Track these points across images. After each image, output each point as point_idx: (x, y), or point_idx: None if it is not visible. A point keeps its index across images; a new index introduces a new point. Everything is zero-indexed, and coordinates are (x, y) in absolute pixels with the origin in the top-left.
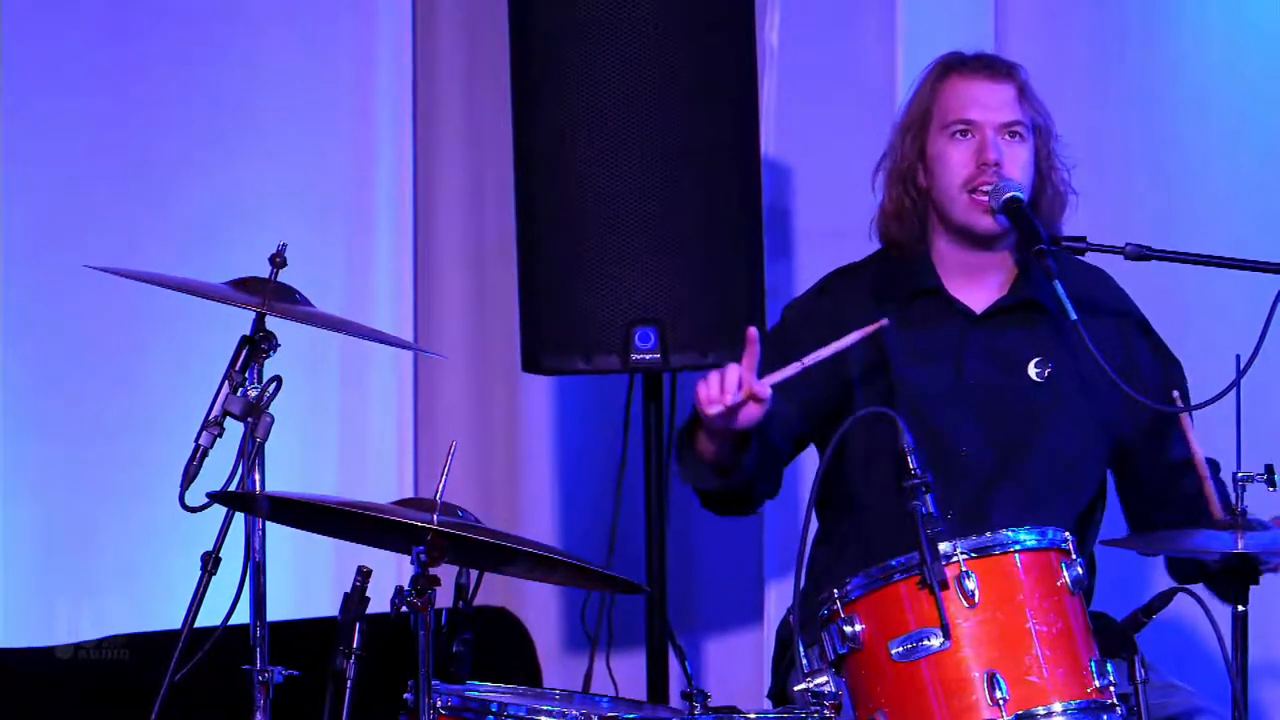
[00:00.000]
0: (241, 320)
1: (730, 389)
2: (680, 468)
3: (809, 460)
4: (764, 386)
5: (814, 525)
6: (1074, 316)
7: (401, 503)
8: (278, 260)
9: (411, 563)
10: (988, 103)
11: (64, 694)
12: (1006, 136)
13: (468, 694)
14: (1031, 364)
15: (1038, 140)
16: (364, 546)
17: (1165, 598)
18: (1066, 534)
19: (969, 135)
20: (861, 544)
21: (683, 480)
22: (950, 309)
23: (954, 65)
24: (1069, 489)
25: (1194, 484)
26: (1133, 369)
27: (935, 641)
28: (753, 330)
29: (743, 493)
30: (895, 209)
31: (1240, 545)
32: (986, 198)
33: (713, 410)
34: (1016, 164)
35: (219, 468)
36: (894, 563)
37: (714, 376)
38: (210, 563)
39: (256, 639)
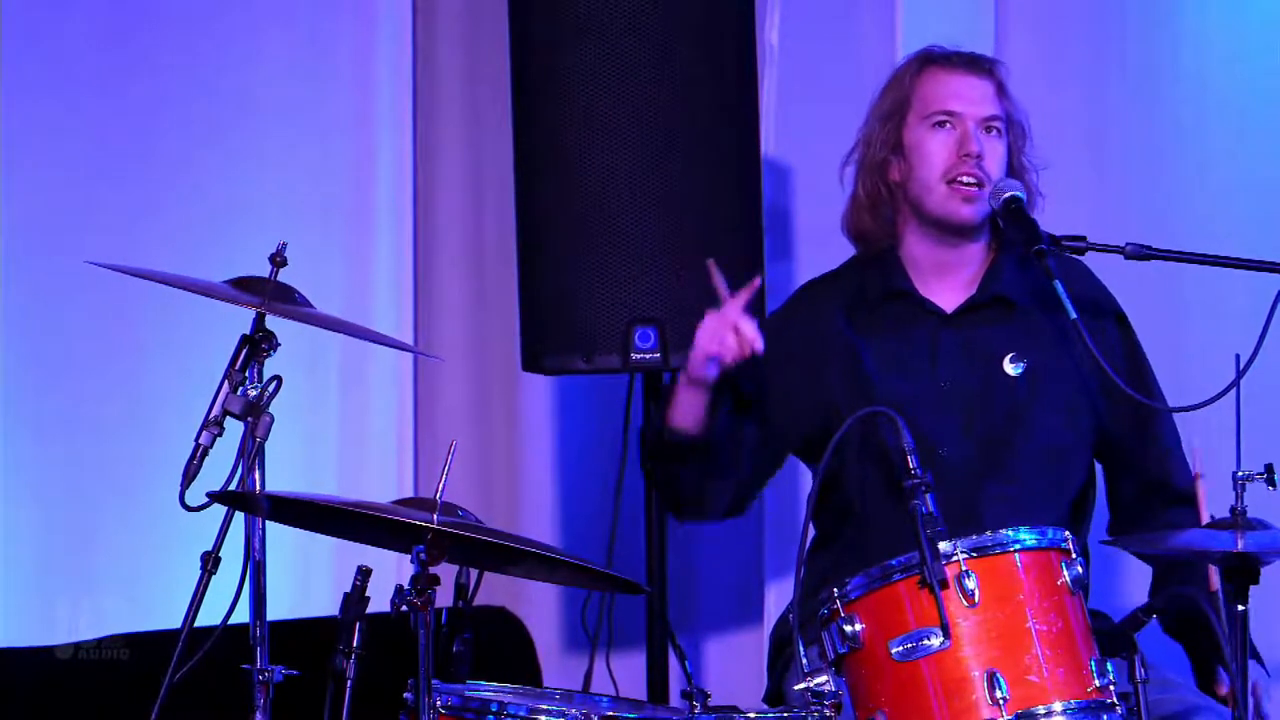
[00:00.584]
0: (241, 320)
1: (750, 333)
2: (653, 449)
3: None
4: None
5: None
6: (1074, 315)
7: (401, 503)
8: (278, 260)
9: (411, 562)
10: (969, 96)
11: (64, 694)
12: (985, 131)
13: (468, 694)
14: (1006, 359)
15: (1012, 137)
16: (364, 546)
17: (1165, 598)
18: (1066, 533)
19: (949, 127)
20: (858, 548)
21: (651, 459)
22: (921, 310)
23: (934, 58)
24: (1056, 481)
25: (1178, 514)
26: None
27: (935, 641)
28: (757, 280)
29: (707, 469)
30: (869, 200)
31: (1240, 545)
32: (966, 188)
33: (754, 348)
34: (994, 158)
35: (219, 467)
36: (894, 562)
37: (728, 336)
38: (210, 562)
39: (256, 639)
